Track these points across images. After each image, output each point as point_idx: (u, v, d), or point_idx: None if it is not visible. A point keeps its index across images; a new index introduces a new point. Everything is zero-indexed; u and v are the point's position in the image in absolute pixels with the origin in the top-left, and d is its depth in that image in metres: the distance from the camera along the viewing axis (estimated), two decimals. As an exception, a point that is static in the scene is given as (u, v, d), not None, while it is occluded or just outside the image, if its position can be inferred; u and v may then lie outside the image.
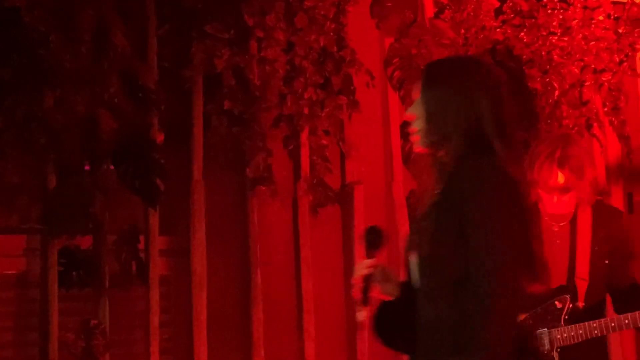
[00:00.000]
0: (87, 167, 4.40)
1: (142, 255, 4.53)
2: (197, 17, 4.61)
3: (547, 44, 5.37)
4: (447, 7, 5.24)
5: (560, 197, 3.60)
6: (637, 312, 3.51)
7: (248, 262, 4.78)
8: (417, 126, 2.41)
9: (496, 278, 2.22)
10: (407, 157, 5.13)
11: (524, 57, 5.38)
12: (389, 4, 5.13)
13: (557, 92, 5.38)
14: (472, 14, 5.25)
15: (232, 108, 4.68)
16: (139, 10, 4.54)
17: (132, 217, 4.59)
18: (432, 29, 5.17)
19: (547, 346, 3.64)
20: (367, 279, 2.46)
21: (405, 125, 5.14)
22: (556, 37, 5.39)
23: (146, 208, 4.53)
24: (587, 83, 5.41)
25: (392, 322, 2.48)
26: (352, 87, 4.97)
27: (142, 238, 4.54)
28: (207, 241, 4.66)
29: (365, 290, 2.45)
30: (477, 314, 2.19)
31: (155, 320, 4.51)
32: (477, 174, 2.26)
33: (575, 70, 5.41)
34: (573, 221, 3.67)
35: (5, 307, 4.47)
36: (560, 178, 3.57)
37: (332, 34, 4.93)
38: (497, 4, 5.33)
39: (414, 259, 2.41)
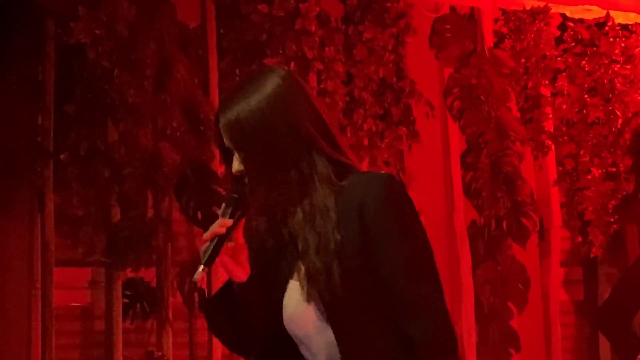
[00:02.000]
0: (150, 200, 4.45)
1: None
2: (257, 49, 4.66)
3: (610, 72, 5.33)
4: (507, 36, 5.23)
5: None
6: None
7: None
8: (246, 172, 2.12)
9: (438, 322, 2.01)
10: (469, 187, 5.11)
11: (586, 85, 5.34)
12: (448, 35, 5.13)
13: (620, 120, 5.32)
14: (532, 43, 5.23)
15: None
16: (200, 44, 4.60)
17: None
18: (492, 59, 5.16)
19: None
20: (220, 240, 2.09)
21: (465, 154, 5.13)
22: (618, 65, 5.34)
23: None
24: (649, 111, 5.35)
25: (229, 316, 2.17)
26: (411, 118, 4.97)
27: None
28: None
29: (214, 250, 2.08)
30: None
31: (217, 352, 4.53)
32: (381, 186, 2.05)
33: (639, 98, 5.35)
34: None
35: (71, 339, 4.52)
36: None
37: (391, 65, 4.94)
38: (558, 33, 5.30)
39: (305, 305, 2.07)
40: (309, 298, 2.04)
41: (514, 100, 5.24)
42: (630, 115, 5.33)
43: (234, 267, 2.12)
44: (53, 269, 4.19)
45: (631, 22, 5.37)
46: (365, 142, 4.88)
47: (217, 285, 2.29)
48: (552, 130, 5.30)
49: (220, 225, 2.08)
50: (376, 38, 4.87)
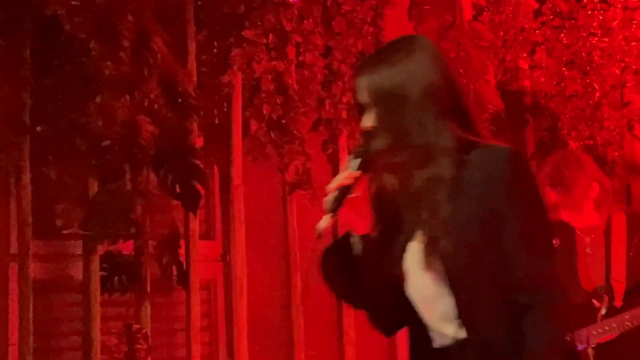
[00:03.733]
0: (128, 173, 4.43)
1: (182, 260, 4.55)
2: (235, 22, 4.63)
3: (588, 45, 5.34)
4: (486, 9, 5.22)
5: (571, 213, 3.73)
6: None
7: (288, 266, 4.79)
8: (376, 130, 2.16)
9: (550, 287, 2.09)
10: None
11: (564, 58, 5.34)
12: (427, 7, 5.12)
13: (597, 94, 5.34)
14: (510, 15, 5.23)
15: (270, 113, 4.69)
16: (178, 17, 4.57)
17: (173, 222, 4.61)
18: (470, 32, 5.15)
19: (584, 344, 3.66)
20: (345, 191, 2.13)
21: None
22: (596, 38, 5.35)
23: (186, 213, 4.55)
24: (628, 84, 5.36)
25: (345, 269, 2.21)
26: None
27: (182, 243, 4.56)
28: (247, 246, 4.67)
29: (339, 200, 2.11)
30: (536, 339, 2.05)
31: (196, 324, 4.53)
32: (501, 161, 2.10)
33: (616, 71, 5.37)
34: (607, 232, 3.77)
35: (49, 312, 4.51)
36: (552, 196, 3.72)
37: (370, 37, 4.93)
38: (537, 6, 5.30)
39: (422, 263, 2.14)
40: (427, 264, 2.10)
41: (492, 73, 5.24)
42: (607, 88, 5.34)
43: (355, 219, 2.16)
44: (30, 241, 4.17)
45: (609, -5, 5.38)
46: (344, 114, 4.87)
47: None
48: (530, 103, 5.31)
49: (346, 176, 2.13)
50: (355, 10, 4.85)
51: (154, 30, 4.40)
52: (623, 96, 5.36)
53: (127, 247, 4.46)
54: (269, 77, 4.69)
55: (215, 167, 4.74)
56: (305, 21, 4.75)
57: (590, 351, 3.68)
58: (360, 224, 2.18)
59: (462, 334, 2.12)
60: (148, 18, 4.39)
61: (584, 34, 5.33)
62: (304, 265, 4.81)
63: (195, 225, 4.57)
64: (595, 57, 5.33)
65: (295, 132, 4.75)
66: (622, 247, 3.74)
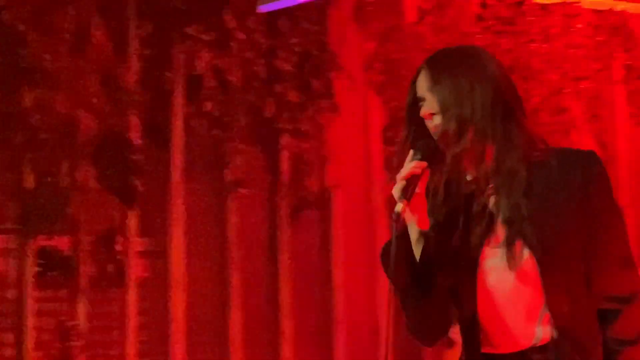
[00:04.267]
0: (65, 168, 4.37)
1: (119, 256, 4.50)
2: (178, 18, 4.59)
3: (528, 50, 5.39)
4: (429, 13, 5.25)
5: None
6: None
7: (227, 264, 4.76)
8: (436, 122, 2.12)
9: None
10: (389, 162, 5.13)
11: (504, 63, 5.39)
12: (371, 9, 5.13)
13: (536, 99, 5.39)
14: (453, 20, 5.26)
15: (212, 110, 4.66)
16: (120, 11, 4.52)
17: (110, 219, 4.56)
18: (413, 35, 5.17)
19: None
20: (415, 180, 2.08)
21: (387, 129, 5.15)
22: (536, 44, 5.40)
23: (124, 209, 4.50)
24: (566, 90, 5.43)
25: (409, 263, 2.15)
26: (332, 91, 4.97)
27: (119, 239, 4.51)
28: (186, 243, 4.64)
29: (411, 188, 2.07)
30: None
31: (132, 322, 4.49)
32: (594, 165, 2.12)
33: (555, 77, 5.43)
34: None
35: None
36: None
37: (313, 37, 4.92)
38: (479, 11, 5.34)
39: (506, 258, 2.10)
40: (515, 263, 2.10)
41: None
42: (546, 94, 5.41)
43: (417, 213, 2.14)
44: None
45: (549, 2, 5.43)
46: (286, 114, 4.86)
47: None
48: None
49: (416, 166, 2.10)
50: (299, 10, 4.84)
51: (95, 23, 4.35)
52: (561, 102, 5.43)
53: (62, 243, 4.40)
54: (211, 74, 4.66)
55: (155, 164, 4.69)
56: (248, 19, 4.73)
57: None
58: (421, 218, 2.14)
59: (547, 334, 2.11)
60: (89, 11, 4.34)
61: (524, 40, 5.39)
62: (243, 263, 4.79)
63: (132, 221, 4.52)
64: (535, 63, 5.39)
65: (236, 130, 4.72)
66: None
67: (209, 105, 4.66)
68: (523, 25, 5.38)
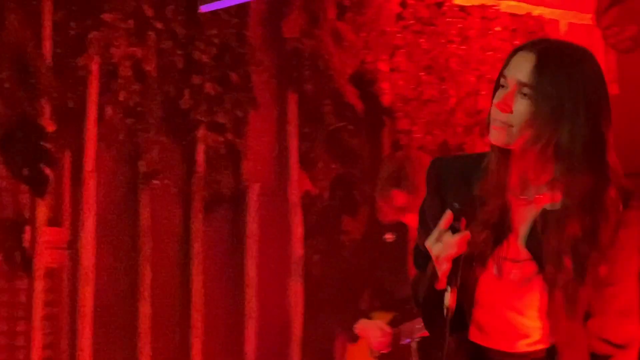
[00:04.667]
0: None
1: (27, 246, 4.41)
2: (94, 4, 4.51)
3: (446, 51, 5.43)
4: (349, 9, 5.25)
5: (412, 214, 3.78)
6: None
7: (137, 256, 4.70)
8: (514, 121, 1.94)
9: None
10: (304, 158, 5.13)
11: (423, 63, 5.43)
12: (292, 4, 5.11)
13: (453, 100, 5.44)
14: (372, 17, 5.27)
15: (127, 99, 4.59)
16: (35, -6, 4.43)
17: (19, 207, 4.47)
18: (333, 31, 5.17)
19: (407, 338, 3.77)
20: (457, 261, 1.90)
21: (304, 125, 5.14)
22: (455, 46, 5.45)
23: (33, 197, 4.41)
24: (482, 92, 5.49)
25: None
26: (250, 85, 4.94)
27: (28, 228, 4.42)
28: (96, 234, 4.56)
29: (454, 273, 1.90)
30: None
31: (38, 313, 4.40)
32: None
33: (472, 79, 5.48)
34: None
35: None
36: (400, 199, 3.79)
37: (233, 29, 4.88)
38: (398, 10, 5.36)
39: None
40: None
41: (353, 73, 5.27)
42: (463, 95, 5.46)
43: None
44: None
45: (468, 4, 5.49)
46: (203, 106, 4.81)
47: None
48: (388, 105, 5.37)
49: (456, 244, 1.90)
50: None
51: (7, 7, 4.25)
52: (477, 103, 5.48)
53: (-32, 231, 4.30)
54: (127, 62, 4.59)
55: (67, 152, 4.61)
56: (166, 8, 4.67)
57: (413, 344, 3.76)
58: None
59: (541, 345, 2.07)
60: (2, -6, 4.24)
61: (443, 41, 5.43)
62: (154, 255, 4.73)
63: (42, 210, 4.43)
64: (453, 64, 5.43)
65: (151, 120, 4.66)
66: None
67: (123, 95, 4.58)
68: (442, 26, 5.43)
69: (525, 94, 1.95)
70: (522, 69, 1.96)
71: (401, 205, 3.87)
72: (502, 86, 1.99)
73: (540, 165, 1.96)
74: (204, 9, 4.63)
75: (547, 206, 1.99)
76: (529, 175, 1.99)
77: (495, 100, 1.98)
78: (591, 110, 1.94)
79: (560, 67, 1.95)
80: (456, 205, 1.91)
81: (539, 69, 1.93)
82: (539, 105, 1.92)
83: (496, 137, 1.99)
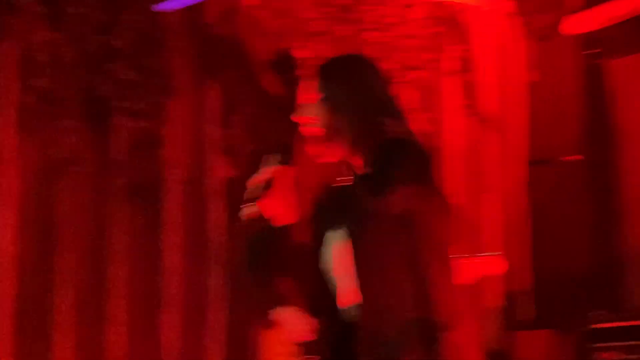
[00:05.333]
0: None
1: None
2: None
3: (362, 39, 5.47)
4: (267, -5, 5.25)
5: None
6: None
7: (56, 245, 4.63)
8: (317, 126, 2.40)
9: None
10: (225, 144, 5.11)
11: (339, 51, 5.45)
12: (210, -11, 5.09)
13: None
14: (291, 4, 5.27)
15: (43, 86, 4.52)
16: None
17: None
18: (252, 17, 5.17)
19: None
20: (268, 184, 2.32)
21: (224, 112, 5.13)
22: (370, 33, 5.49)
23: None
24: (397, 80, 5.54)
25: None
26: (168, 71, 4.91)
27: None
28: (16, 222, 4.49)
29: (263, 189, 2.31)
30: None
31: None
32: (403, 153, 2.32)
33: (388, 66, 5.53)
34: None
35: None
36: None
37: (150, 15, 4.84)
38: (318, -3, 5.38)
39: (339, 247, 2.36)
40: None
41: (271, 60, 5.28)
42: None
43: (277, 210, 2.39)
44: None
45: (386, -9, 5.53)
46: (121, 92, 4.76)
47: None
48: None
49: (271, 173, 2.39)
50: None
51: None
52: (393, 91, 5.53)
53: None
54: (44, 48, 4.52)
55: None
56: (83, -7, 4.61)
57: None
58: (281, 214, 2.34)
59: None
60: None
61: (359, 28, 5.46)
62: (74, 243, 4.67)
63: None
64: (369, 52, 5.47)
65: (68, 107, 4.60)
66: None
67: (40, 81, 4.51)
68: (359, 14, 5.46)
69: None
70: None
71: None
72: None
73: None
74: (155, 8, 4.66)
75: None
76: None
77: None
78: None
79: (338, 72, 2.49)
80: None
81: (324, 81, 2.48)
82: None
83: None
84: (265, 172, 2.33)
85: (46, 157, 4.64)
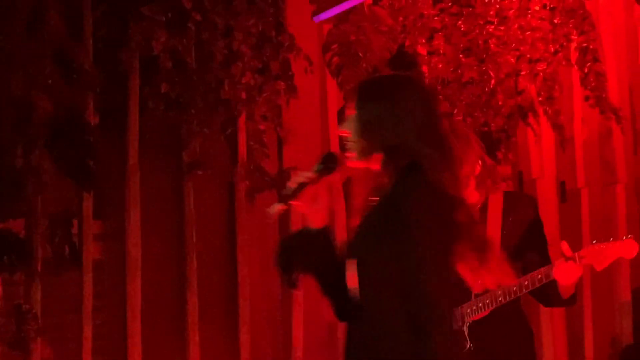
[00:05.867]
0: (20, 150, 4.32)
1: (75, 239, 4.46)
2: (133, -2, 4.55)
3: (484, 33, 5.41)
4: (386, -6, 5.24)
5: None
6: (535, 273, 3.60)
7: (183, 247, 4.74)
8: (351, 141, 2.44)
9: (434, 310, 2.33)
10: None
11: (461, 45, 5.41)
12: (325, -10, 5.12)
13: (493, 81, 5.42)
14: (410, 1, 5.26)
15: (168, 91, 4.63)
16: (75, -10, 4.47)
17: (66, 201, 4.52)
18: (370, 16, 5.17)
19: (458, 322, 3.75)
20: (302, 186, 2.41)
21: (342, 111, 5.15)
22: (493, 27, 5.42)
23: (80, 191, 4.47)
24: (522, 72, 5.45)
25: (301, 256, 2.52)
26: (290, 73, 4.95)
27: (75, 222, 4.47)
28: (142, 226, 4.61)
29: (295, 191, 2.40)
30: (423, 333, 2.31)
31: (88, 305, 4.46)
32: (415, 190, 2.35)
33: (511, 59, 5.45)
34: (483, 209, 3.81)
35: None
36: None
37: (270, 18, 4.90)
38: (435, -7, 5.34)
39: (352, 267, 2.43)
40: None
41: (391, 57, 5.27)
42: (502, 76, 5.43)
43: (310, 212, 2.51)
44: None
45: (506, -16, 5.45)
46: (244, 95, 4.83)
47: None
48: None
49: (307, 177, 2.45)
50: (255, -10, 4.82)
51: (49, 3, 4.30)
52: (517, 84, 5.46)
53: (17, 226, 4.36)
54: (168, 55, 4.63)
55: (111, 146, 4.66)
56: (205, 0, 4.69)
57: (465, 329, 3.76)
58: (314, 217, 2.43)
59: None
60: (44, -9, 4.29)
61: (481, 22, 5.40)
62: (200, 245, 4.77)
63: (88, 204, 4.49)
64: (492, 45, 5.40)
65: (193, 112, 4.69)
66: (497, 226, 3.80)
67: (165, 87, 4.62)
68: (480, 8, 5.40)
69: None
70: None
71: None
72: None
73: None
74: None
75: None
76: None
77: None
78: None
79: (373, 92, 2.47)
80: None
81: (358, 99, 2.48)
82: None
83: None
84: (303, 176, 2.40)
85: (172, 162, 4.75)
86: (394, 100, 2.39)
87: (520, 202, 3.88)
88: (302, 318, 4.94)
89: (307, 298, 4.96)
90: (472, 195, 3.84)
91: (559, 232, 5.33)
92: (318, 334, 5.01)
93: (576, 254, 3.55)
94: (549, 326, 5.26)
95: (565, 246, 3.55)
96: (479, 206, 3.85)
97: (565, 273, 3.55)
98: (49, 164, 4.37)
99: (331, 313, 2.50)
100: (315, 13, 5.00)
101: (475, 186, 3.81)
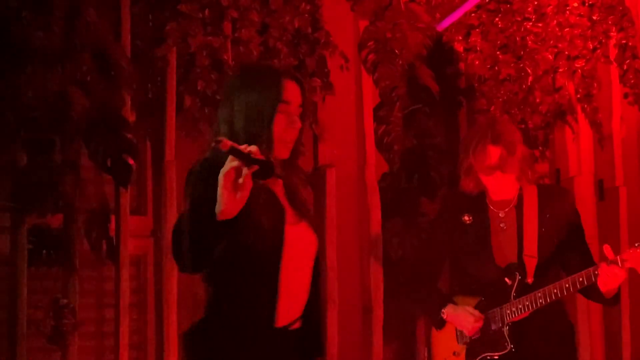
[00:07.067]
0: (58, 145, 4.37)
1: (112, 234, 4.51)
2: (171, -5, 4.58)
3: (522, 29, 5.38)
4: (423, -10, 5.23)
5: (500, 179, 3.71)
6: (576, 275, 3.56)
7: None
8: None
9: None
10: (381, 141, 5.13)
11: (499, 42, 5.39)
12: (357, -14, 5.11)
13: (530, 78, 5.39)
14: (447, -2, 5.25)
15: (205, 88, 4.66)
16: (113, -12, 4.51)
17: (103, 197, 4.56)
18: (407, 13, 5.16)
19: (498, 323, 3.72)
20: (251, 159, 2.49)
21: (378, 108, 5.15)
22: (531, 23, 5.39)
23: (117, 187, 4.51)
24: (560, 69, 5.42)
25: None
26: (326, 70, 4.96)
27: (113, 217, 4.51)
28: (178, 221, 4.63)
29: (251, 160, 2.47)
30: None
31: (125, 300, 4.50)
32: None
33: (549, 56, 5.42)
34: (519, 206, 3.78)
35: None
36: (494, 155, 3.68)
37: (306, 15, 4.91)
38: (473, -11, 5.32)
39: None
40: None
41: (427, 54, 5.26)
42: (540, 73, 5.40)
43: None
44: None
45: (543, -19, 5.42)
46: (279, 92, 4.84)
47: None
48: (464, 86, 5.35)
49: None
50: (291, -13, 4.83)
51: (86, 1, 4.33)
52: (555, 81, 5.42)
53: (55, 221, 4.40)
54: (204, 52, 4.65)
55: (148, 142, 4.69)
56: (242, -3, 4.72)
57: (505, 330, 3.73)
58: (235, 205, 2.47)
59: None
60: (82, -12, 4.33)
61: (519, 19, 5.38)
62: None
63: (126, 199, 4.52)
64: (529, 42, 5.38)
65: (229, 108, 4.70)
66: (534, 222, 3.77)
67: (202, 84, 4.65)
68: (517, 4, 5.37)
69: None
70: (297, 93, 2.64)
71: (494, 164, 3.74)
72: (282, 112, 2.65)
73: None
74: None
75: None
76: None
77: (283, 127, 2.66)
78: None
79: None
80: None
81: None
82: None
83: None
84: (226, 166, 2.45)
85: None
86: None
87: (555, 196, 3.84)
88: (335, 313, 4.94)
89: (341, 292, 4.96)
90: (509, 191, 3.80)
91: (597, 231, 5.30)
92: (352, 328, 5.01)
93: (618, 257, 3.50)
94: (586, 325, 5.22)
95: (607, 249, 3.50)
96: (514, 203, 3.82)
97: (608, 277, 3.51)
98: (87, 159, 4.41)
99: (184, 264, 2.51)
100: (355, 11, 5.00)
101: (516, 177, 3.77)
